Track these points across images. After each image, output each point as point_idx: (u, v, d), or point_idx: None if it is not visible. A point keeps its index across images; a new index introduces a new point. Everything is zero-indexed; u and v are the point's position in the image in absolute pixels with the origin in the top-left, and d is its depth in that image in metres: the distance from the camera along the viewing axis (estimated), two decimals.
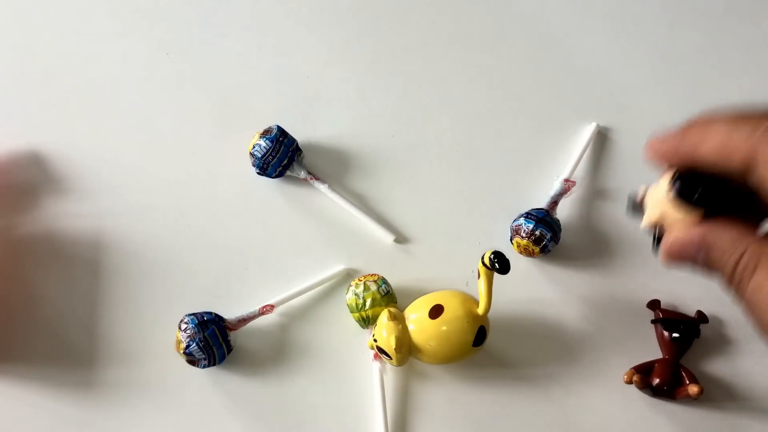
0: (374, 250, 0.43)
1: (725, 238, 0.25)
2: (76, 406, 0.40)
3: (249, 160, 0.43)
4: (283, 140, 0.43)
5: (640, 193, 0.31)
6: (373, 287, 0.40)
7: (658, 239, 0.31)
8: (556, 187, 0.43)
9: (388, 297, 0.40)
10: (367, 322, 0.40)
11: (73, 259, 0.42)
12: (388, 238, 0.43)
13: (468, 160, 0.46)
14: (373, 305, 0.39)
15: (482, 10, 0.50)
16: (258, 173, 0.43)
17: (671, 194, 0.28)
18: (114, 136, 0.46)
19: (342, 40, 0.49)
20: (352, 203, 0.44)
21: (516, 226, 0.41)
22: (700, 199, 0.27)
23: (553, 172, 0.45)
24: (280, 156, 0.43)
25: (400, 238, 0.44)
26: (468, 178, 0.45)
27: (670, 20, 0.50)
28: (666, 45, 0.49)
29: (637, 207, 0.31)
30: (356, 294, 0.39)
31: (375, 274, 0.41)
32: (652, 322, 0.41)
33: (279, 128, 0.43)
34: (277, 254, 0.43)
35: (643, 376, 0.39)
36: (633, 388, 0.39)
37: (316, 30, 0.49)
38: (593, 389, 0.40)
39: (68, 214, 0.44)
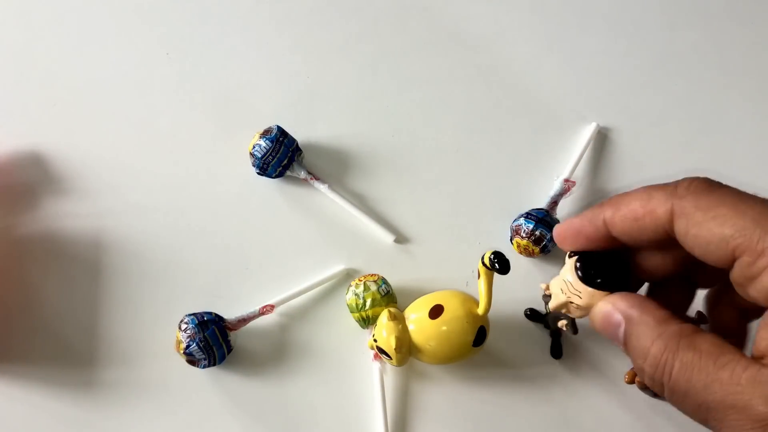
0: (374, 250, 0.43)
1: (644, 318, 0.26)
2: (76, 406, 0.40)
3: (249, 160, 0.43)
4: (283, 140, 0.43)
5: (543, 287, 0.32)
6: (373, 287, 0.40)
7: (553, 321, 0.32)
8: (556, 187, 0.43)
9: (388, 297, 0.40)
10: (367, 322, 0.40)
11: (73, 259, 0.42)
12: (388, 238, 0.43)
13: (468, 160, 0.46)
14: (373, 305, 0.39)
15: (482, 10, 0.50)
16: (258, 173, 0.43)
17: (576, 278, 0.29)
18: (114, 136, 0.46)
19: (342, 40, 0.49)
20: (352, 203, 0.44)
21: (516, 226, 0.41)
22: (604, 283, 0.28)
23: (553, 172, 0.45)
24: (280, 156, 0.43)
25: (400, 238, 0.44)
26: (468, 178, 0.45)
27: (670, 20, 0.50)
28: (666, 45, 0.49)
29: (546, 297, 0.32)
30: (356, 294, 0.39)
31: (375, 274, 0.41)
32: None
33: (279, 128, 0.43)
34: (277, 254, 0.43)
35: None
36: (633, 388, 0.39)
37: (316, 30, 0.49)
38: (593, 389, 0.40)
39: (68, 214, 0.44)
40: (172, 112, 0.47)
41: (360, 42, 0.49)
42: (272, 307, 0.41)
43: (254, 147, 0.43)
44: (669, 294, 0.31)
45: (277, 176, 0.44)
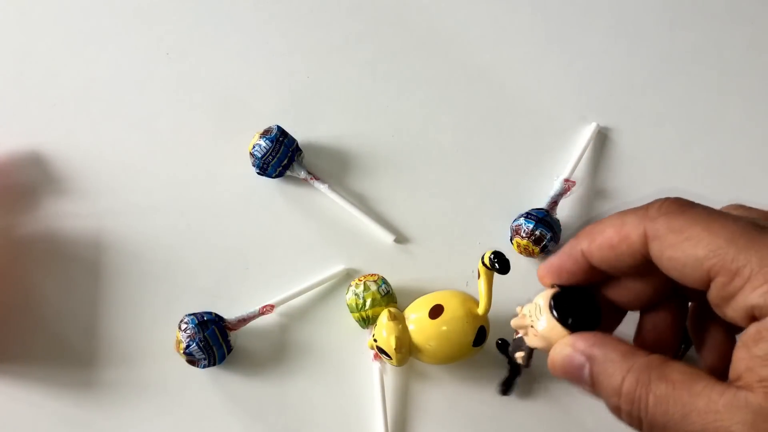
0: (374, 249, 0.43)
1: (609, 355, 0.25)
2: (76, 406, 0.40)
3: (249, 160, 0.43)
4: (283, 140, 0.43)
5: (519, 309, 0.31)
6: (373, 287, 0.40)
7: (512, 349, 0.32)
8: (556, 187, 0.43)
9: (388, 297, 0.40)
10: (367, 322, 0.40)
11: (73, 259, 0.42)
12: (388, 238, 0.43)
13: (468, 160, 0.46)
14: (373, 305, 0.39)
15: (481, 10, 0.50)
16: (258, 173, 0.43)
17: (547, 309, 0.28)
18: (114, 137, 0.46)
19: (342, 39, 0.49)
20: (352, 203, 0.44)
21: (516, 226, 0.41)
22: (574, 325, 0.27)
23: (553, 172, 0.45)
24: (280, 156, 0.43)
25: (400, 238, 0.44)
26: (468, 178, 0.45)
27: (670, 20, 0.50)
28: (666, 45, 0.49)
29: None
30: (356, 294, 0.39)
31: (375, 274, 0.41)
32: None
33: (279, 128, 0.43)
34: (277, 254, 0.43)
35: None
36: None
37: (315, 30, 0.49)
38: None
39: (68, 214, 0.44)
40: (172, 112, 0.47)
41: (360, 42, 0.49)
42: (272, 307, 0.41)
43: (254, 147, 0.43)
44: (662, 316, 0.30)
45: (277, 176, 0.44)
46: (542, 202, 0.43)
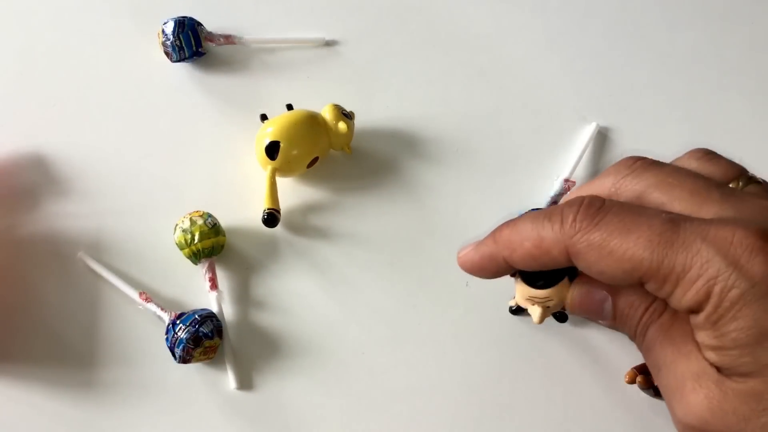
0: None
1: (631, 291, 0.26)
2: (76, 406, 0.40)
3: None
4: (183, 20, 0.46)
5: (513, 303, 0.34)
6: (200, 221, 0.41)
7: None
8: (556, 187, 0.43)
9: (216, 229, 0.41)
10: (199, 256, 0.41)
11: (73, 259, 0.42)
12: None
13: (468, 160, 0.46)
14: (201, 238, 0.40)
15: (481, 10, 0.50)
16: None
17: (533, 289, 0.29)
18: (114, 137, 0.46)
19: (342, 39, 0.49)
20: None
21: None
22: (546, 285, 0.28)
23: (553, 172, 0.45)
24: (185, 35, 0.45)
25: (399, 237, 0.44)
26: (468, 178, 0.45)
27: (670, 20, 0.50)
28: (666, 45, 0.49)
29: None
30: (183, 230, 0.41)
31: (199, 210, 0.42)
32: None
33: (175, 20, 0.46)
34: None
35: (647, 376, 0.39)
36: (633, 388, 0.39)
37: (317, 29, 0.49)
38: (593, 389, 0.40)
39: (68, 215, 0.44)
40: (173, 112, 0.47)
41: (360, 42, 0.49)
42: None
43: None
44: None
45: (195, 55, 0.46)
46: (542, 202, 0.43)
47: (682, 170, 0.28)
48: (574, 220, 0.25)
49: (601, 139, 0.46)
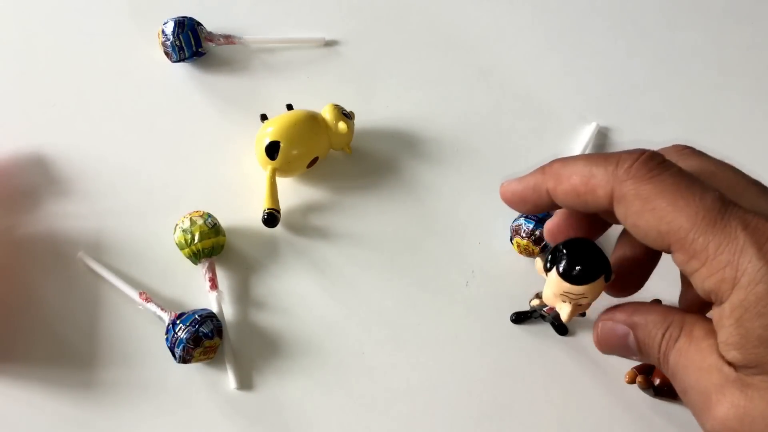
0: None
1: (649, 318, 0.26)
2: (76, 406, 0.40)
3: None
4: (183, 21, 0.46)
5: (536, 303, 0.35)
6: (200, 221, 0.41)
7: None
8: None
9: (216, 229, 0.41)
10: (199, 256, 0.41)
11: (73, 259, 0.42)
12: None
13: (467, 160, 0.46)
14: (201, 238, 0.40)
15: (481, 10, 0.50)
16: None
17: (554, 274, 0.28)
18: (114, 137, 0.46)
19: (342, 39, 0.49)
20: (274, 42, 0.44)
21: (516, 226, 0.41)
22: (581, 277, 0.27)
23: None
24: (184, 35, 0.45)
25: (400, 236, 0.44)
26: (468, 178, 0.45)
27: (670, 20, 0.50)
28: (666, 45, 0.49)
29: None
30: (183, 230, 0.40)
31: (199, 210, 0.41)
32: None
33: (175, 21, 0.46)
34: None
35: (647, 376, 0.39)
36: (633, 388, 0.39)
37: (318, 30, 0.49)
38: (593, 389, 0.40)
39: (68, 215, 0.44)
40: (173, 112, 0.47)
41: (360, 42, 0.49)
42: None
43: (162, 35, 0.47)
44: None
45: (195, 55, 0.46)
46: None
47: (724, 163, 0.27)
48: (630, 166, 0.24)
49: (601, 139, 0.46)
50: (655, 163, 0.24)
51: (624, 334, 0.27)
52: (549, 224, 0.30)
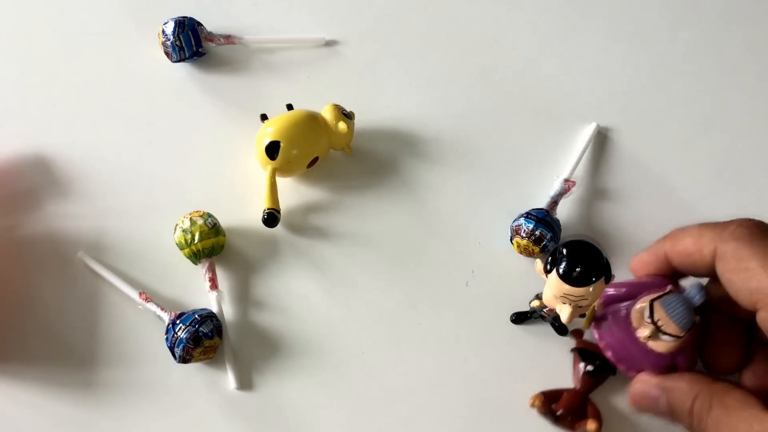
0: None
1: (678, 385, 0.29)
2: (76, 406, 0.40)
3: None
4: (183, 21, 0.46)
5: (537, 304, 0.36)
6: (200, 221, 0.41)
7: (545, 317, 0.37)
8: (556, 187, 0.43)
9: (216, 229, 0.41)
10: (199, 256, 0.40)
11: (73, 259, 0.42)
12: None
13: (468, 160, 0.46)
14: (201, 238, 0.40)
15: (481, 10, 0.50)
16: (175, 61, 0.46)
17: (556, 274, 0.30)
18: (114, 137, 0.46)
19: (341, 39, 0.49)
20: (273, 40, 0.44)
21: (516, 226, 0.41)
22: (581, 279, 0.30)
23: (553, 172, 0.45)
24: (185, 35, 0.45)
25: (400, 235, 0.44)
26: (468, 178, 0.45)
27: (670, 20, 0.50)
28: (666, 45, 0.49)
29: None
30: (184, 230, 0.40)
31: (199, 210, 0.41)
32: (572, 350, 0.40)
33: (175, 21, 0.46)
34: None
35: (546, 401, 0.38)
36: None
37: (318, 31, 0.49)
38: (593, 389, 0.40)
39: (68, 215, 0.44)
40: (173, 112, 0.47)
41: (360, 42, 0.49)
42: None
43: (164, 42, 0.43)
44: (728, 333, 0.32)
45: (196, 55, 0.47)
46: (542, 202, 0.43)
47: None
48: (735, 229, 0.27)
49: (601, 139, 0.46)
50: (758, 230, 0.27)
51: (656, 396, 0.29)
52: (638, 258, 0.32)
